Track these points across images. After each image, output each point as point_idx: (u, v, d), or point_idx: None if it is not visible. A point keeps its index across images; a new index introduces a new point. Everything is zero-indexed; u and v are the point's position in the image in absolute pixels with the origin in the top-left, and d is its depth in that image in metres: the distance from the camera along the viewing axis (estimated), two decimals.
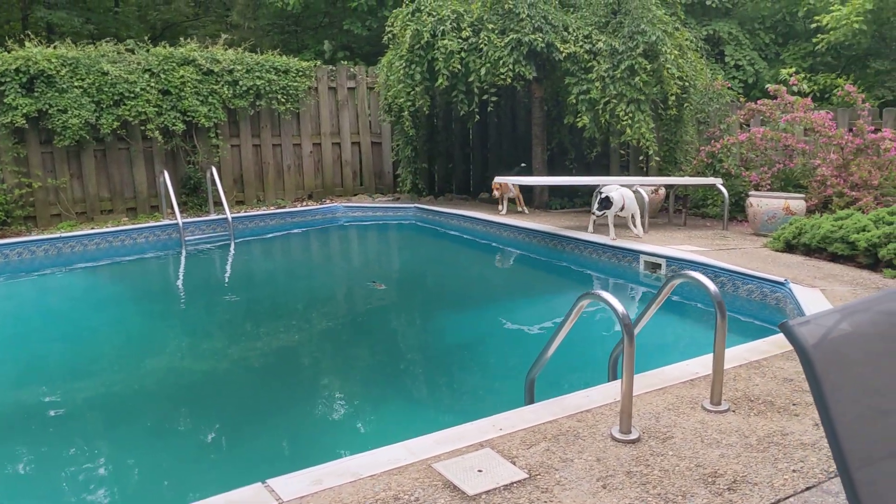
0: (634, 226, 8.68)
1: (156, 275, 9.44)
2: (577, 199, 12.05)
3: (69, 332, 6.79)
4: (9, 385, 5.34)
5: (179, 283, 8.95)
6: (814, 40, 13.89)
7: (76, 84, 10.51)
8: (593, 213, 8.69)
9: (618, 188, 8.56)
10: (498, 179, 10.38)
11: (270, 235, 11.26)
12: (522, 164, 11.94)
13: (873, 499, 1.80)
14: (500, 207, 10.96)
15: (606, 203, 8.34)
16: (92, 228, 10.32)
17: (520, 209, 11.13)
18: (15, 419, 4.69)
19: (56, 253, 9.42)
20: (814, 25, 13.77)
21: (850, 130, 9.64)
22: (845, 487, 1.79)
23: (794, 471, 3.05)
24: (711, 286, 3.59)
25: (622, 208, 8.44)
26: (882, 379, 1.99)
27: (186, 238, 10.22)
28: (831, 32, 13.18)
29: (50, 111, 10.35)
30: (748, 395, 3.83)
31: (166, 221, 10.60)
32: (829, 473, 3.01)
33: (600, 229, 8.85)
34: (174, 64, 11.39)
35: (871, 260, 6.74)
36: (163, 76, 11.26)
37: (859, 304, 1.98)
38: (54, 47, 10.75)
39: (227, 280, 9.06)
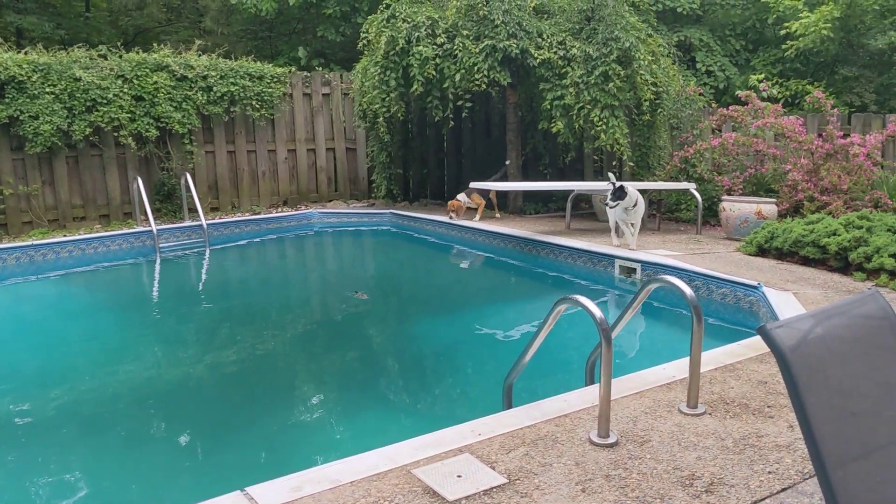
0: (632, 233, 8.13)
1: (129, 282, 9.35)
2: (552, 204, 12.12)
3: (41, 342, 6.70)
4: None
5: (153, 290, 8.88)
6: (783, 47, 14.09)
7: (48, 90, 10.40)
8: (606, 204, 8.21)
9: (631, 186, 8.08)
10: (473, 185, 10.42)
11: (245, 242, 11.20)
12: (507, 162, 11.94)
13: (847, 497, 1.84)
14: (451, 216, 10.92)
15: (621, 193, 7.82)
16: (64, 236, 10.20)
17: (497, 215, 11.16)
18: None
19: (28, 261, 9.30)
20: (783, 32, 13.97)
21: (820, 136, 9.79)
22: (822, 487, 1.82)
23: (769, 472, 3.09)
24: (688, 290, 3.63)
25: (635, 205, 7.93)
26: (857, 381, 2.03)
27: (161, 245, 10.14)
28: (800, 39, 13.38)
29: (21, 117, 10.23)
30: (724, 398, 3.87)
31: (140, 228, 10.51)
32: (804, 474, 3.05)
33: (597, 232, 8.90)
34: (147, 70, 11.30)
35: (841, 263, 6.84)
36: (136, 82, 11.17)
37: (835, 308, 2.02)
38: (25, 53, 10.63)
39: (201, 287, 9.00)
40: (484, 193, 10.98)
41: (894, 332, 2.02)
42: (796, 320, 1.89)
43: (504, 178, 11.46)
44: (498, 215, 11.17)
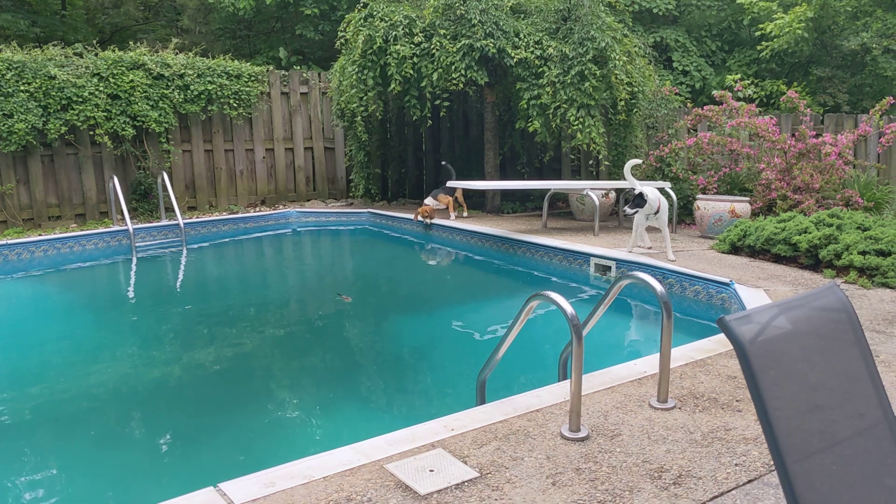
0: (665, 240, 7.62)
1: (105, 282, 9.29)
2: (530, 204, 12.18)
3: (15, 341, 6.66)
4: None
5: (129, 290, 8.83)
6: (758, 47, 14.25)
7: (22, 88, 10.31)
8: (624, 213, 7.97)
9: (651, 188, 7.60)
10: (450, 184, 10.46)
11: (223, 241, 11.16)
12: (443, 163, 12.15)
13: (809, 492, 1.88)
14: (424, 219, 10.98)
15: (640, 200, 7.43)
16: (39, 235, 10.13)
17: (465, 214, 11.21)
18: None
19: (2, 260, 9.22)
20: (758, 33, 14.14)
21: (793, 136, 9.92)
22: (781, 480, 1.85)
23: (736, 465, 3.14)
24: (658, 286, 3.68)
25: (657, 211, 7.49)
26: (817, 374, 2.08)
27: (137, 244, 10.09)
28: (775, 40, 13.55)
29: None
30: (694, 393, 3.93)
31: (116, 227, 10.45)
32: (769, 466, 3.11)
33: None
34: (123, 68, 11.23)
35: (812, 261, 6.94)
36: (112, 80, 11.10)
37: (795, 301, 2.06)
38: None
39: (178, 287, 8.96)
40: (449, 192, 11.05)
41: (852, 324, 2.07)
42: (755, 312, 1.93)
43: (449, 179, 11.57)
44: (466, 214, 11.24)
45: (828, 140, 9.44)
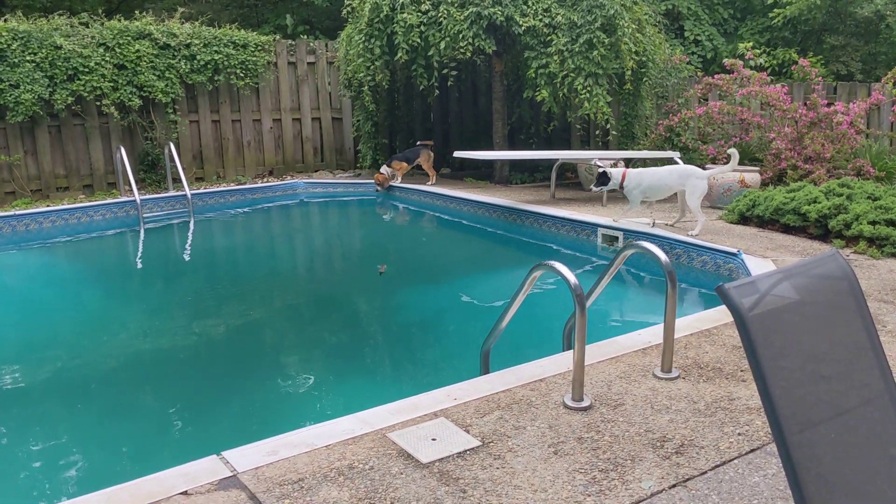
0: (689, 212, 7.66)
1: (113, 252, 9.32)
2: (538, 174, 12.10)
3: (25, 311, 6.70)
4: None
5: (137, 260, 8.86)
6: (770, 15, 14.05)
7: (28, 58, 10.28)
8: (590, 189, 8.29)
9: (637, 173, 7.78)
10: (457, 154, 10.41)
11: (230, 212, 11.16)
12: (430, 142, 12.31)
13: (812, 462, 1.86)
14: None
15: (604, 179, 7.79)
16: (47, 206, 10.14)
17: (431, 182, 11.44)
18: None
19: (10, 231, 9.25)
20: (771, 1, 13.92)
21: (805, 104, 9.80)
22: (780, 451, 1.84)
23: (739, 434, 3.14)
24: (662, 256, 3.65)
25: (621, 187, 7.71)
26: (817, 343, 2.05)
27: (144, 215, 10.10)
28: (788, 7, 13.35)
29: (1, 86, 10.11)
30: (698, 363, 3.92)
31: (124, 198, 10.45)
32: (772, 436, 3.10)
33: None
34: (129, 38, 11.17)
35: (821, 231, 6.88)
36: (118, 50, 11.05)
37: (795, 269, 2.03)
38: (5, 20, 10.49)
39: (185, 257, 8.98)
40: (411, 160, 11.54)
41: (853, 292, 2.05)
42: (755, 280, 1.91)
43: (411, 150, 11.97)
44: (432, 182, 11.41)
45: (840, 109, 9.33)
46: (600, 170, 7.88)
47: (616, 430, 3.18)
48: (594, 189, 8.03)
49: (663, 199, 8.09)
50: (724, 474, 2.85)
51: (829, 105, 9.70)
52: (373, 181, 11.76)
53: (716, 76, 10.63)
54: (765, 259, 6.05)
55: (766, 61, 13.12)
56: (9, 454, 3.90)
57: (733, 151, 7.24)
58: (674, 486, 2.76)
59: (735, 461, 2.93)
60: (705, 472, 2.85)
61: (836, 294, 2.05)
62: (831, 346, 2.07)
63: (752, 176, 8.79)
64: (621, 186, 7.70)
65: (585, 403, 3.40)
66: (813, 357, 2.01)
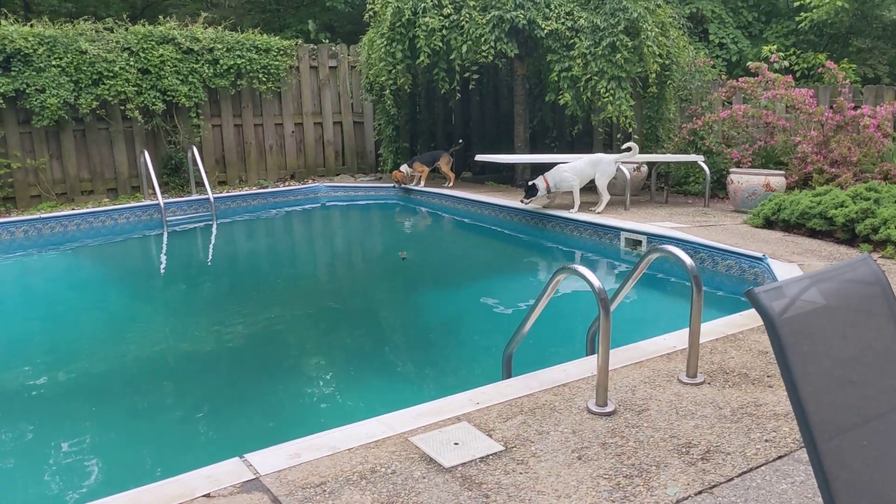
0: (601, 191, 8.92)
1: (137, 255, 9.39)
2: None
3: (50, 314, 6.76)
4: None
5: (161, 263, 8.91)
6: (797, 18, 13.91)
7: (54, 63, 10.39)
8: (522, 201, 9.08)
9: (555, 171, 8.83)
10: (479, 158, 10.40)
11: (252, 216, 11.21)
12: (460, 141, 12.40)
13: (841, 468, 1.82)
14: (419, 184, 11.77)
15: (532, 191, 8.77)
16: (72, 209, 10.24)
17: (449, 185, 11.53)
18: None
19: (36, 234, 9.35)
20: (797, 4, 13.79)
21: (831, 107, 9.69)
22: (810, 457, 1.80)
23: (766, 440, 3.09)
24: (687, 260, 3.61)
25: (549, 190, 8.75)
26: (849, 348, 2.01)
27: (168, 219, 10.16)
28: (814, 10, 13.21)
29: (27, 91, 10.23)
30: (724, 368, 3.87)
31: (147, 202, 10.53)
32: (800, 443, 3.05)
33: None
34: (153, 42, 11.27)
35: (848, 235, 6.79)
36: (142, 55, 11.14)
37: (826, 273, 2.00)
38: (31, 26, 10.61)
39: (208, 260, 9.03)
40: (430, 163, 11.64)
41: (886, 297, 2.00)
42: (785, 284, 1.87)
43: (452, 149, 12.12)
44: (451, 184, 11.45)
45: (866, 112, 9.21)
46: (529, 183, 8.87)
47: (640, 436, 3.14)
48: (524, 202, 8.94)
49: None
50: (751, 481, 2.80)
51: (855, 108, 9.58)
52: (394, 184, 11.78)
53: (740, 79, 10.54)
54: (791, 263, 5.98)
55: (793, 63, 13.00)
56: (34, 454, 3.93)
57: (632, 144, 8.71)
58: (700, 492, 2.72)
59: (762, 468, 2.89)
60: (732, 479, 2.81)
61: (868, 299, 2.01)
62: (862, 351, 2.03)
63: (778, 180, 8.70)
64: (548, 190, 8.73)
65: (609, 408, 3.37)
66: (845, 362, 1.97)
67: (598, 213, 8.48)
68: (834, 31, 14.50)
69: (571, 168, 8.78)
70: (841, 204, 6.91)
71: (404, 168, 11.55)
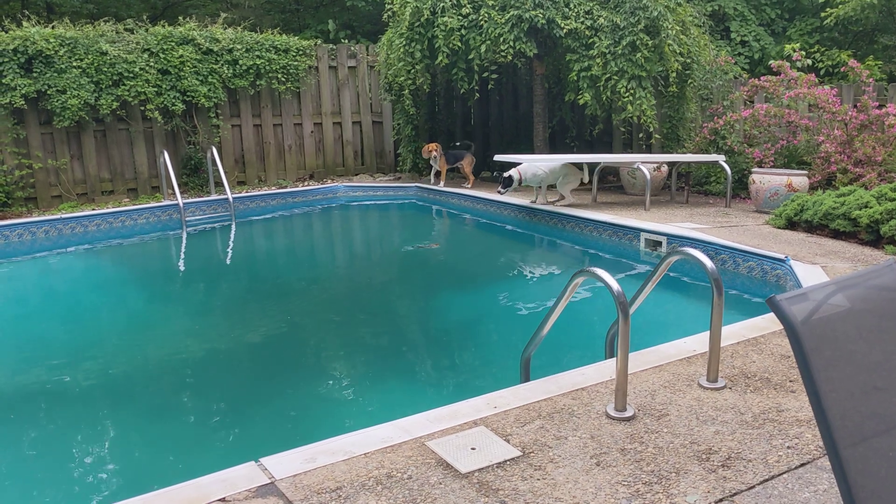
0: (564, 193, 9.57)
1: (156, 255, 9.43)
2: None
3: (70, 313, 6.79)
4: (10, 365, 5.34)
5: (180, 263, 8.94)
6: (822, 15, 13.75)
7: (75, 64, 10.46)
8: (498, 192, 9.76)
9: (528, 165, 9.49)
10: (498, 157, 10.35)
11: (272, 215, 11.23)
12: (467, 143, 12.47)
13: (864, 476, 1.78)
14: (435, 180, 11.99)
15: (508, 182, 9.44)
16: (93, 209, 10.31)
17: (467, 185, 11.62)
18: (15, 399, 4.70)
19: (57, 234, 9.41)
20: (821, 0, 13.62)
21: (855, 106, 9.55)
22: (833, 464, 1.76)
23: (788, 447, 3.04)
24: (708, 262, 3.56)
25: (520, 182, 9.45)
26: (873, 355, 1.96)
27: (187, 218, 10.20)
28: (840, 7, 13.04)
29: (49, 92, 10.31)
30: (745, 372, 3.81)
31: (167, 202, 10.59)
32: (823, 450, 2.99)
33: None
34: (173, 43, 11.32)
35: (873, 236, 6.69)
36: (162, 56, 11.20)
37: (850, 279, 1.95)
38: (52, 27, 10.69)
39: (227, 260, 9.05)
40: (452, 161, 11.86)
41: None
42: (808, 291, 1.82)
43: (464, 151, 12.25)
44: (469, 185, 11.54)
45: (892, 111, 9.08)
46: (504, 175, 9.49)
47: (660, 442, 3.10)
48: (501, 191, 9.61)
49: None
50: (772, 489, 2.75)
51: (880, 107, 9.44)
52: (413, 184, 11.79)
53: (762, 78, 10.42)
54: (814, 265, 5.89)
55: (818, 61, 12.84)
56: (50, 455, 3.94)
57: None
58: (720, 500, 2.68)
59: (784, 475, 2.83)
60: (753, 487, 2.76)
61: (894, 305, 1.95)
62: (889, 359, 1.98)
63: (800, 180, 8.59)
64: (520, 182, 9.43)
65: (628, 413, 3.32)
66: (869, 370, 1.92)
67: (551, 202, 9.58)
68: (860, 27, 14.31)
69: (548, 166, 9.48)
70: (865, 205, 6.80)
71: (435, 149, 11.72)
